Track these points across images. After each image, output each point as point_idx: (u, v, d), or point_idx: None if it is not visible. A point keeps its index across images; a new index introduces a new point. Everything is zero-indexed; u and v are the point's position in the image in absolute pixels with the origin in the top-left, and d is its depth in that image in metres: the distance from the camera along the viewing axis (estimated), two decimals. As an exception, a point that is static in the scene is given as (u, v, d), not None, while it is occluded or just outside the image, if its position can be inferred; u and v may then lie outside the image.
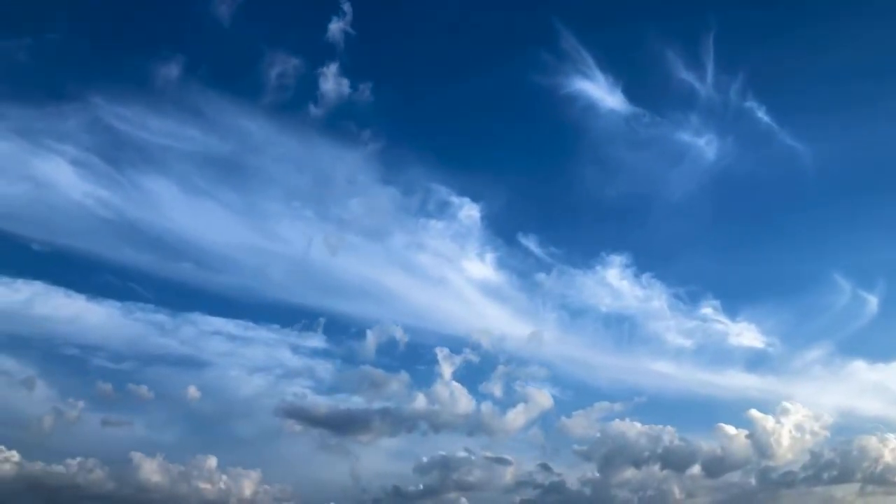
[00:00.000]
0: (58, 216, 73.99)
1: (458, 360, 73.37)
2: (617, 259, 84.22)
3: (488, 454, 71.20)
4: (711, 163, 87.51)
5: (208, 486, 63.33)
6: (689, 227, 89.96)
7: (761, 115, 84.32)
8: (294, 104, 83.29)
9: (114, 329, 72.14)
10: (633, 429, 70.38)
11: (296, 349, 76.21)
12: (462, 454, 69.99)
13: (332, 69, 79.30)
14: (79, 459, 61.20)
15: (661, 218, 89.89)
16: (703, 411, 77.14)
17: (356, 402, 73.59)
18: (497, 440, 72.94)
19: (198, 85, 79.63)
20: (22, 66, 74.08)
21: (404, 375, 73.03)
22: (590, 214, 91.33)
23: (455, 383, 72.34)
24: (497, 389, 73.48)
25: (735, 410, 74.26)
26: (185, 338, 73.97)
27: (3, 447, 59.16)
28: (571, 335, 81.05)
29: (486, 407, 72.32)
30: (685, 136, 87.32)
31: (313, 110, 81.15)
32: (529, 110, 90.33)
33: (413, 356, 76.43)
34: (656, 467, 69.02)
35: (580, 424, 71.94)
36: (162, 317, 73.57)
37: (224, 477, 64.35)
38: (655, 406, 74.66)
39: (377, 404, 72.23)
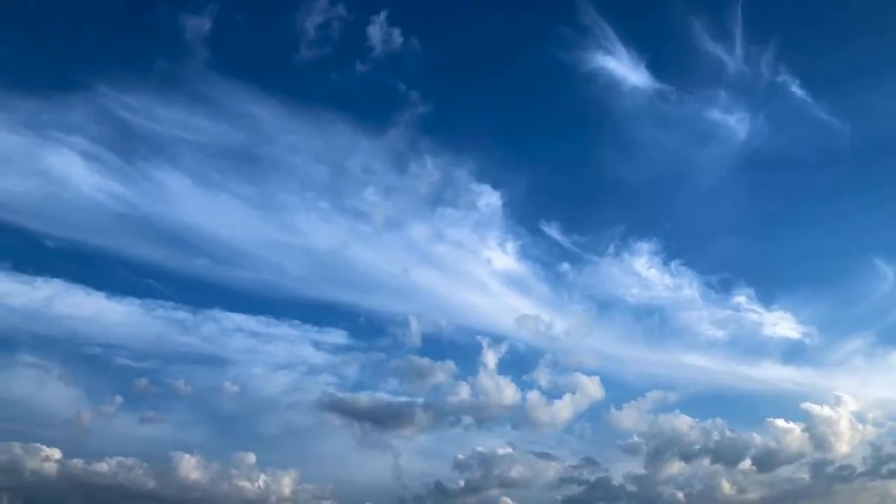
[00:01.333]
0: (70, 211, 72.82)
1: (487, 355, 70.96)
2: (644, 246, 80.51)
3: (530, 449, 69.94)
4: (743, 142, 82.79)
5: (247, 485, 62.92)
6: (719, 211, 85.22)
7: (795, 89, 79.43)
8: (309, 88, 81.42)
9: (135, 327, 71.42)
10: (681, 422, 68.32)
11: (318, 345, 74.93)
12: (503, 450, 68.58)
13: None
14: (118, 458, 61.26)
15: (690, 202, 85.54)
16: (739, 405, 74.21)
17: (382, 397, 72.36)
18: (538, 434, 71.61)
19: (205, 70, 77.36)
20: (25, 54, 73.25)
21: (430, 371, 71.29)
22: (615, 199, 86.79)
23: (487, 378, 70.57)
24: (539, 380, 71.40)
25: (774, 404, 72.40)
26: (207, 335, 72.95)
27: (44, 445, 59.28)
28: (599, 328, 77.89)
29: (517, 400, 70.48)
30: (714, 114, 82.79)
31: (328, 95, 79.30)
32: (549, 89, 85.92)
33: (439, 350, 75.56)
34: (706, 461, 67.05)
35: (628, 417, 69.72)
36: (182, 314, 72.58)
37: (262, 475, 63.82)
38: (690, 401, 71.60)
39: (408, 398, 71.22)
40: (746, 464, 65.87)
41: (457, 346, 74.23)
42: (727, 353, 76.14)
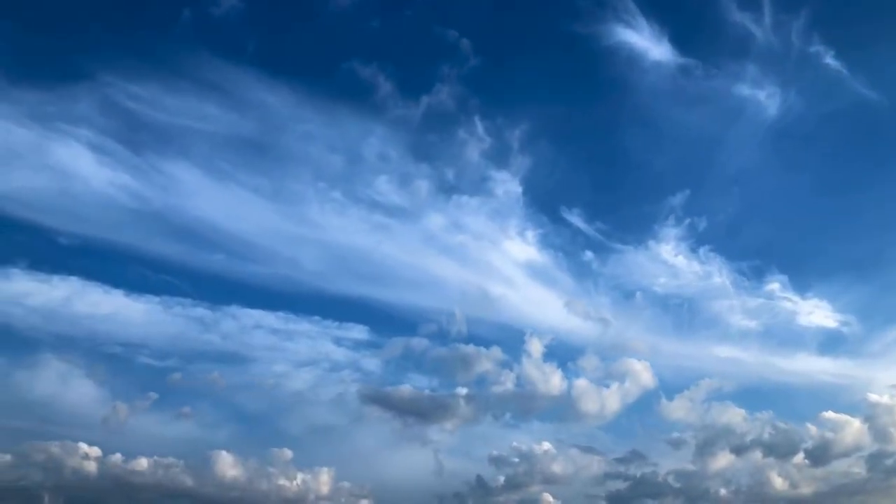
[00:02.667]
0: (82, 207, 72.02)
1: (525, 346, 68.98)
2: (671, 232, 77.58)
3: (573, 443, 68.36)
4: (774, 119, 79.35)
5: (286, 483, 61.95)
6: (750, 193, 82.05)
7: (829, 60, 75.38)
8: (318, 75, 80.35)
9: (155, 325, 70.81)
10: (733, 414, 66.15)
11: (339, 341, 73.63)
12: (544, 444, 66.97)
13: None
14: (155, 457, 60.68)
15: (719, 184, 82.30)
16: (774, 398, 71.76)
17: (410, 391, 70.40)
18: (579, 427, 69.85)
19: (211, 56, 76.23)
20: (26, 43, 71.84)
21: (461, 364, 69.97)
22: (638, 183, 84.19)
23: (520, 369, 68.79)
24: (555, 381, 68.89)
25: (813, 397, 70.20)
26: (227, 332, 72.18)
27: (83, 444, 58.99)
28: (626, 320, 75.26)
29: (551, 393, 68.40)
30: (743, 90, 79.31)
31: (336, 80, 77.79)
32: (565, 66, 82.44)
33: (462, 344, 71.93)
34: (756, 455, 64.58)
35: (675, 409, 67.37)
36: (201, 311, 71.76)
37: (298, 473, 62.80)
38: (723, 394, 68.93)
39: (443, 392, 69.69)
40: (799, 457, 63.65)
41: (481, 340, 72.32)
42: (760, 345, 73.46)
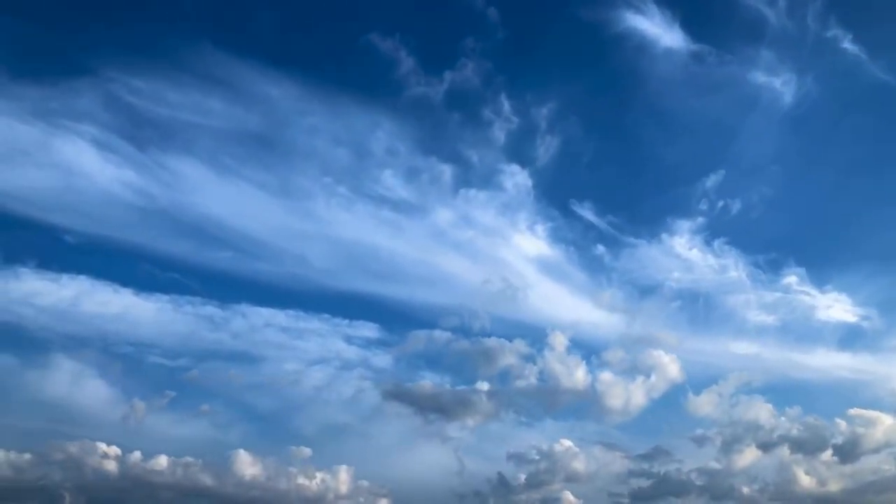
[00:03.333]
0: (87, 204, 71.30)
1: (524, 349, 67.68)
2: (685, 225, 75.94)
3: (596, 439, 67.74)
4: (790, 107, 77.18)
5: (305, 482, 61.46)
6: (765, 184, 78.67)
7: (847, 44, 72.98)
8: (325, 69, 78.82)
9: (165, 325, 70.20)
10: (760, 410, 64.89)
11: (349, 339, 72.80)
12: (567, 441, 66.07)
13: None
14: (173, 456, 60.53)
15: (733, 175, 79.58)
16: (798, 394, 69.96)
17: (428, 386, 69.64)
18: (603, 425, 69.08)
19: (213, 49, 74.79)
20: (24, 38, 70.82)
21: (471, 363, 69.72)
22: (650, 175, 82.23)
23: (535, 368, 67.73)
24: (578, 376, 67.72)
25: (832, 393, 68.45)
26: (237, 331, 71.58)
27: (102, 443, 58.89)
28: (640, 315, 73.37)
29: (572, 387, 67.38)
30: (757, 76, 77.09)
31: (344, 72, 76.68)
32: (573, 55, 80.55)
33: (476, 341, 70.81)
34: (784, 451, 63.37)
35: (703, 404, 65.89)
36: (210, 309, 71.08)
37: (316, 472, 62.38)
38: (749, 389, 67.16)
39: (464, 387, 68.51)
40: (827, 454, 62.34)
41: (498, 335, 70.79)
42: (778, 340, 71.58)
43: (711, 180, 78.18)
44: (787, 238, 78.00)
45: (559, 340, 67.10)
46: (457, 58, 78.24)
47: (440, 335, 69.54)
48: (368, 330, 72.75)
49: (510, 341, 68.02)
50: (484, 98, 78.36)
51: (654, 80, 78.37)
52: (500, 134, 77.82)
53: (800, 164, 79.64)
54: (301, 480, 61.50)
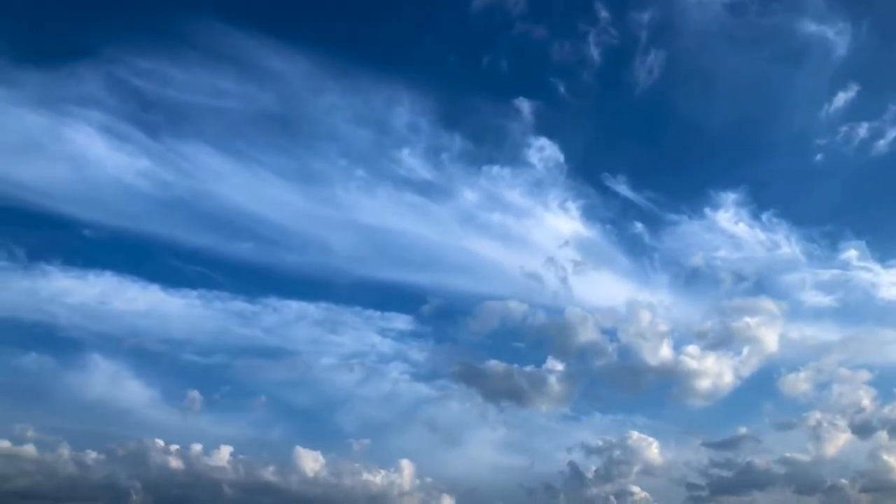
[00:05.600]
0: (102, 196, 68.70)
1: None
2: (729, 197, 70.04)
3: (674, 428, 64.69)
4: (843, 59, 69.45)
5: (370, 478, 60.23)
6: (818, 148, 71.70)
7: None
8: (338, 41, 75.32)
9: (196, 321, 68.11)
10: (855, 394, 60.85)
11: (384, 332, 70.05)
12: (643, 430, 62.94)
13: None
14: (231, 453, 59.10)
15: (781, 138, 73.28)
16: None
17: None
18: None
19: (218, 24, 71.12)
20: (20, 20, 68.40)
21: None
22: (688, 143, 75.21)
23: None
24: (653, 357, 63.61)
25: None
26: (269, 326, 69.36)
27: (160, 440, 58.25)
28: (685, 298, 68.92)
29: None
30: (806, 26, 69.52)
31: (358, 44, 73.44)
32: (596, 9, 73.70)
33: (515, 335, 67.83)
34: (882, 436, 59.05)
35: (792, 387, 62.17)
36: (240, 304, 68.99)
37: (378, 469, 61.00)
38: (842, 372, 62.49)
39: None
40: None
41: (530, 330, 67.79)
42: (835, 322, 65.55)
43: (757, 145, 72.99)
44: (844, 208, 71.84)
45: (645, 316, 63.52)
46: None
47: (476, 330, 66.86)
48: (402, 322, 70.21)
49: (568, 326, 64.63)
50: (507, 68, 74.69)
51: (689, 34, 72.01)
52: (525, 105, 73.78)
53: (856, 125, 70.88)
54: (364, 476, 60.28)
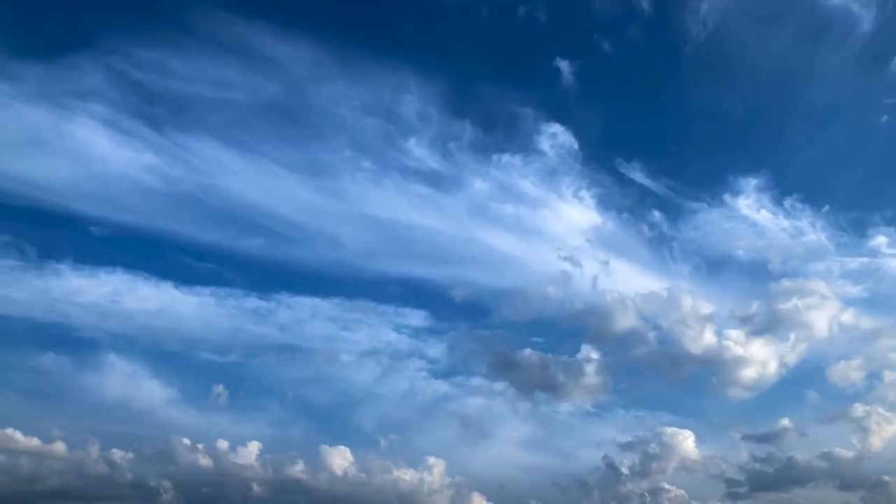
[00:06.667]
0: (109, 192, 67.39)
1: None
2: (750, 182, 67.50)
3: (711, 421, 62.98)
4: (869, 35, 66.16)
5: (401, 476, 59.43)
6: (843, 129, 69.12)
7: None
8: (342, 26, 72.28)
9: (210, 319, 67.25)
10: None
11: (399, 328, 68.74)
12: (679, 425, 61.17)
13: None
14: (258, 452, 58.63)
15: (804, 119, 70.06)
16: None
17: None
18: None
19: (217, 10, 69.17)
20: (20, 11, 66.64)
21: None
22: (706, 126, 72.34)
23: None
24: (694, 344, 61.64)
25: None
26: (284, 324, 68.24)
27: (187, 439, 57.74)
28: (706, 290, 66.16)
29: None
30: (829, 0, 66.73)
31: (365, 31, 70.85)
32: None
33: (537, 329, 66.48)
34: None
35: (838, 377, 60.16)
36: (253, 301, 67.84)
37: (407, 467, 60.04)
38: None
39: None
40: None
41: (546, 326, 66.22)
42: (864, 314, 62.00)
43: (778, 128, 69.59)
44: (872, 192, 68.92)
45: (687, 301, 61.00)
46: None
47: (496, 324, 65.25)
48: (417, 318, 68.93)
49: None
50: (518, 52, 72.80)
51: (704, 11, 68.94)
52: (536, 90, 71.94)
53: (883, 104, 67.79)
54: (393, 474, 59.46)
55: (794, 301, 60.57)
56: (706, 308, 62.33)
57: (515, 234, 70.40)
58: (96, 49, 66.44)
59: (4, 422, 54.31)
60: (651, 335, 63.23)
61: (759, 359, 60.35)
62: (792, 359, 60.75)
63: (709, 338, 61.00)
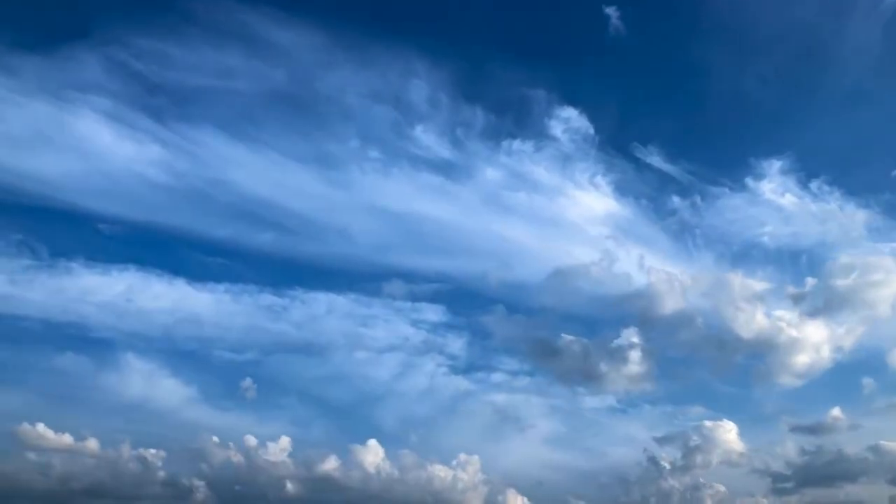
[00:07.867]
0: (115, 187, 66.27)
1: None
2: (774, 165, 64.42)
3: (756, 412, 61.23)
4: None
5: (439, 473, 58.38)
6: (872, 107, 66.18)
7: None
8: (347, 10, 70.37)
9: (225, 317, 66.33)
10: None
11: (416, 323, 67.14)
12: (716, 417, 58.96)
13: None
14: (295, 447, 58.13)
15: (831, 96, 66.99)
16: None
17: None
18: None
19: None
20: (13, 1, 65.77)
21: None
22: (726, 107, 69.38)
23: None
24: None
25: None
26: (299, 321, 67.12)
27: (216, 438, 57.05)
28: (728, 280, 63.07)
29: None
30: None
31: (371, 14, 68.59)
32: None
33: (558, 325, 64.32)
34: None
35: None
36: (268, 298, 66.65)
37: (439, 464, 58.90)
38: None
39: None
40: None
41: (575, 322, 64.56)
42: None
43: (803, 106, 66.63)
44: None
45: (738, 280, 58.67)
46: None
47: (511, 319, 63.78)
48: (434, 313, 67.28)
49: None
50: (529, 32, 71.16)
51: None
52: (549, 71, 69.47)
53: None
54: (427, 471, 58.52)
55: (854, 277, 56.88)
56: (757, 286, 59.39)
57: (532, 224, 68.44)
58: (94, 39, 65.25)
59: (34, 419, 54.16)
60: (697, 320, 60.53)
61: (813, 342, 57.46)
62: (848, 342, 57.80)
63: (760, 320, 58.36)
